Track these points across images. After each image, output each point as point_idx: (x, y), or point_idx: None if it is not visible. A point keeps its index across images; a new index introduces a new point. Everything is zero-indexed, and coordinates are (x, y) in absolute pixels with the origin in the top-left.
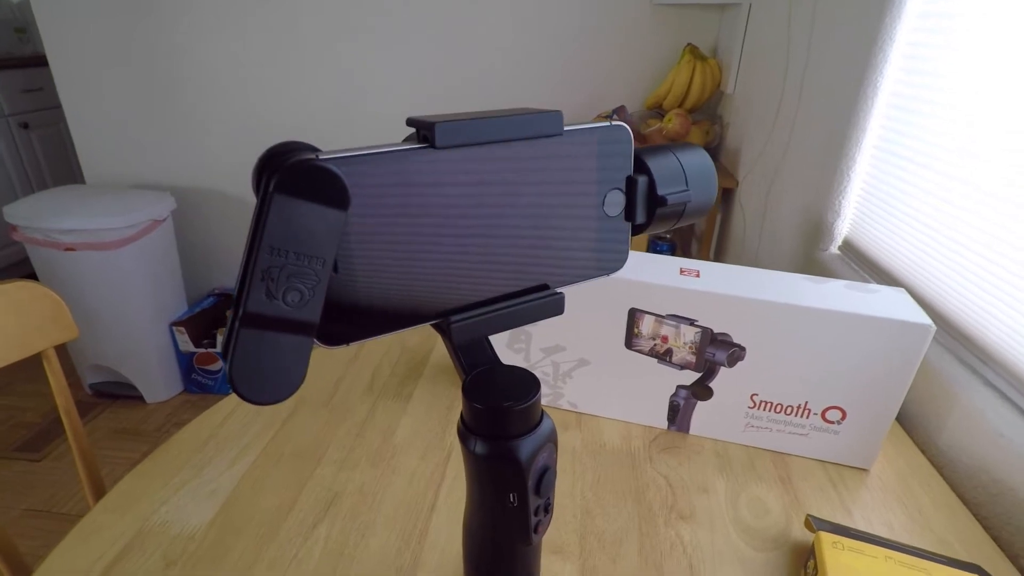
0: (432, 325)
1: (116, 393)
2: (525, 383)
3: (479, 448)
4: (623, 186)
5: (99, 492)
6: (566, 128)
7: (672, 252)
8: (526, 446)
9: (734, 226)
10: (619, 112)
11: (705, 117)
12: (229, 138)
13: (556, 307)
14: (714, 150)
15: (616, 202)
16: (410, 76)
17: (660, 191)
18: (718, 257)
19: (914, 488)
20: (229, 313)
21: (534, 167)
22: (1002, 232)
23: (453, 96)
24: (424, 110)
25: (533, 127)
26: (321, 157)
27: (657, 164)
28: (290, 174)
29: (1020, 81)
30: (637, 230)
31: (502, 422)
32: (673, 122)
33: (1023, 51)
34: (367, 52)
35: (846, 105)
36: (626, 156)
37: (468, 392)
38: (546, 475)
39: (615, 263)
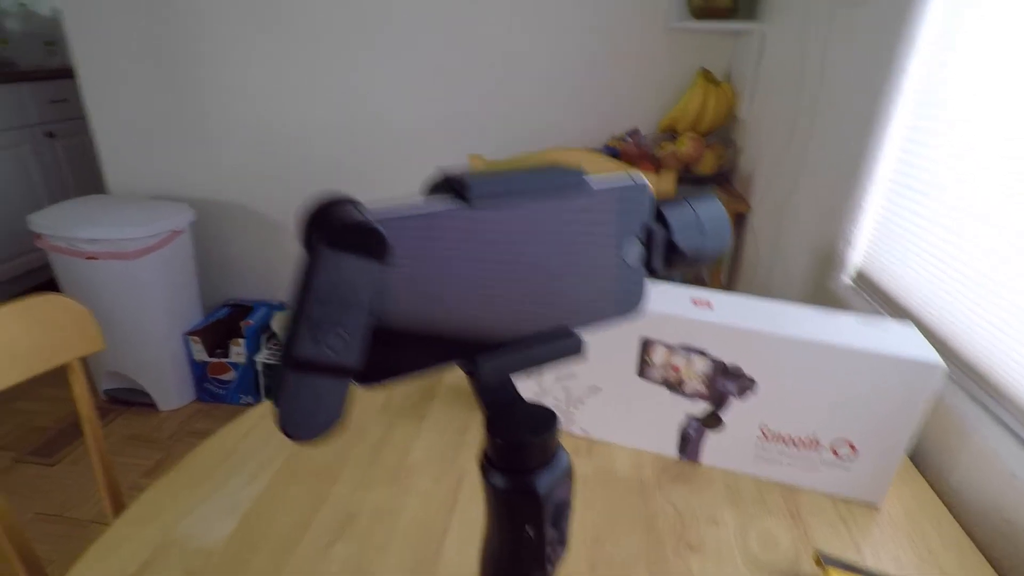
0: (459, 365)
1: (130, 400)
2: (544, 419)
3: (497, 481)
4: (642, 236)
5: (116, 498)
6: (593, 186)
7: (682, 280)
8: (544, 480)
9: (747, 252)
10: (633, 135)
11: (718, 141)
12: (246, 152)
13: (576, 349)
14: (727, 174)
15: (635, 251)
16: (425, 94)
17: (677, 241)
18: (731, 282)
19: (924, 526)
20: (269, 357)
21: (559, 221)
22: (1014, 269)
23: (469, 115)
24: (441, 129)
25: (559, 184)
26: (367, 216)
27: (674, 215)
28: (339, 233)
29: None
30: (653, 274)
31: (521, 456)
32: (686, 145)
33: None
34: (384, 70)
35: (859, 134)
36: (645, 210)
37: (490, 428)
38: (563, 508)
39: (633, 306)
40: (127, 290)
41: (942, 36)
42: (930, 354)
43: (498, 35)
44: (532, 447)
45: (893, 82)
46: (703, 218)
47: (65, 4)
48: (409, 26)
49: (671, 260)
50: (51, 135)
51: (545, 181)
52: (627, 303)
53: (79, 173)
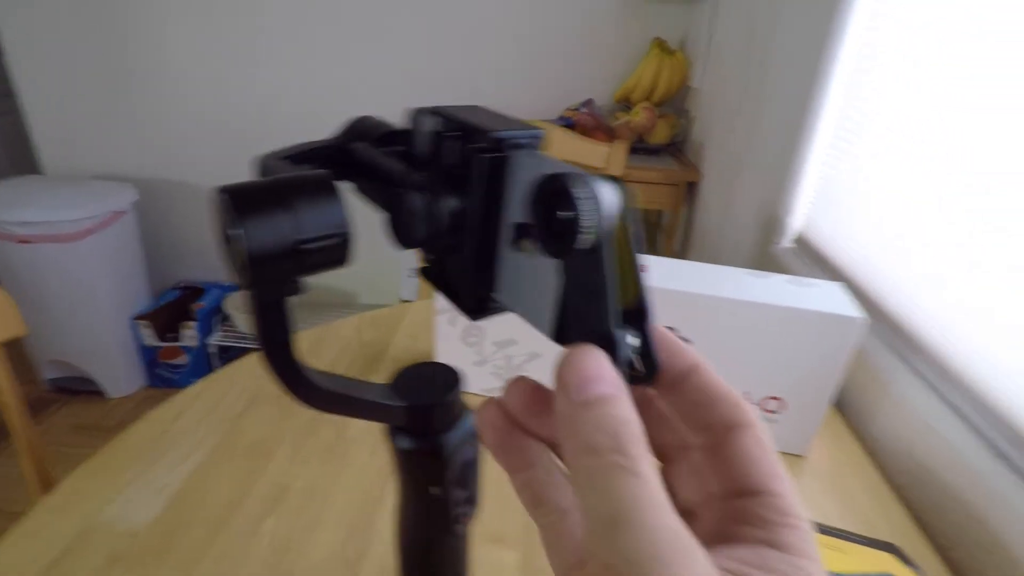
0: None
1: (76, 388)
2: (447, 379)
3: (402, 442)
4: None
5: (49, 490)
6: None
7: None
8: (448, 441)
9: (698, 219)
10: (587, 105)
11: (672, 111)
12: (194, 127)
13: None
14: (679, 144)
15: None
16: (377, 66)
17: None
18: (684, 249)
19: (846, 474)
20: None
21: None
22: (933, 232)
23: (422, 86)
24: (392, 101)
25: None
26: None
27: None
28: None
29: (952, 90)
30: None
31: (424, 418)
32: (640, 115)
33: (955, 61)
34: (335, 41)
35: (800, 104)
36: None
37: (392, 389)
38: (469, 468)
39: None
40: (66, 275)
41: (875, 10)
42: (851, 309)
43: (451, 6)
44: (434, 409)
45: (831, 53)
46: None
47: None
48: None
49: None
50: None
51: None
52: None
53: (10, 154)
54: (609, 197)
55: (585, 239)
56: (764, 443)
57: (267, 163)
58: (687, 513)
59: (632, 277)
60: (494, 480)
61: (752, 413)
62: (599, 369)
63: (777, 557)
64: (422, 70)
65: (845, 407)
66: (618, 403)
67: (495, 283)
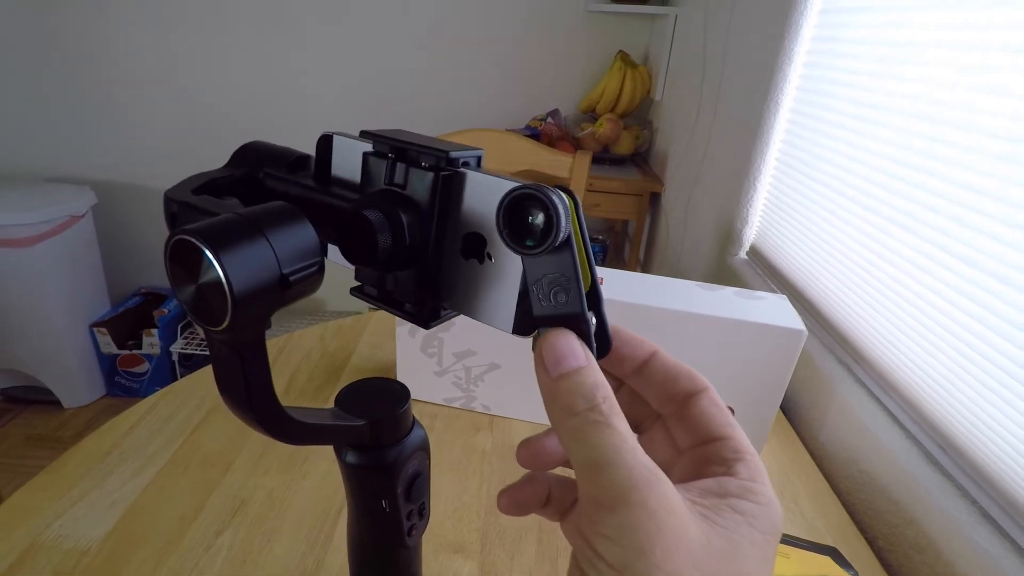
0: None
1: (30, 398)
2: (395, 394)
3: (350, 458)
4: None
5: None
6: None
7: (604, 256)
8: (394, 455)
9: (660, 231)
10: (553, 115)
11: (636, 122)
12: (154, 129)
13: None
14: (644, 154)
15: None
16: (340, 73)
17: None
18: (646, 260)
19: (793, 479)
20: None
21: None
22: (875, 244)
23: (390, 95)
24: (361, 110)
25: None
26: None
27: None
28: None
29: (895, 104)
30: None
31: (370, 433)
32: (604, 127)
33: (900, 77)
34: (299, 46)
35: (753, 117)
36: None
37: (339, 403)
38: (417, 481)
39: None
40: (18, 280)
41: (824, 29)
42: (795, 321)
43: (420, 16)
44: (381, 424)
45: (781, 70)
46: None
47: None
48: (325, 3)
49: None
50: None
51: None
52: None
53: None
54: (563, 201)
55: (563, 235)
56: (717, 401)
57: (179, 199)
58: (663, 470)
59: (587, 266)
60: (453, 490)
61: (704, 380)
62: (570, 346)
63: (733, 483)
64: (387, 81)
65: (794, 414)
66: (588, 372)
67: (446, 292)
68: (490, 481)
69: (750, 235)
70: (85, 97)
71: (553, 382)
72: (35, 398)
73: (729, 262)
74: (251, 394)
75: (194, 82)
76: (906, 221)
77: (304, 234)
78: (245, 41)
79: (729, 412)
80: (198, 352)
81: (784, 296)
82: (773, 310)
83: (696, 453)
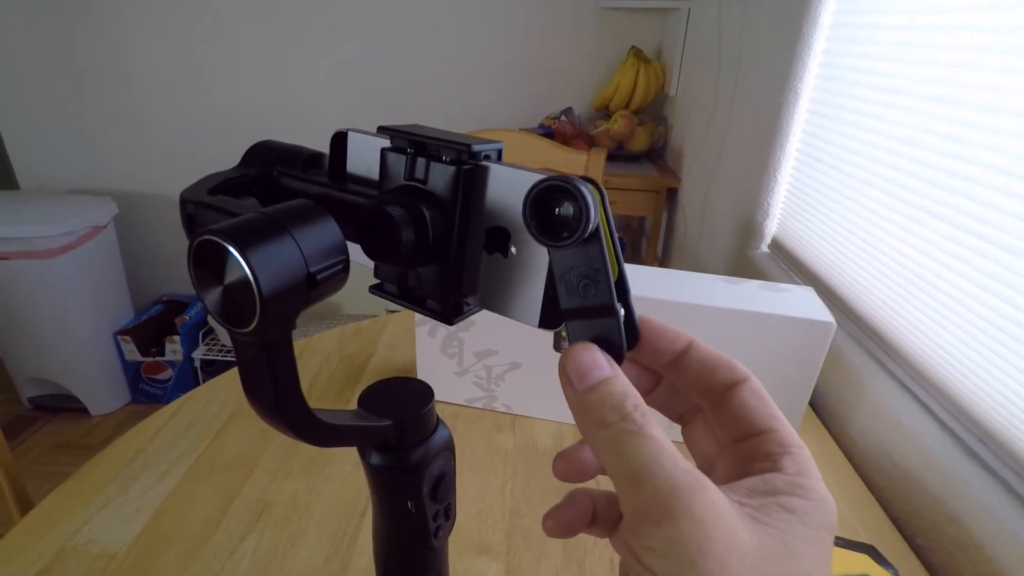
0: None
1: (58, 406)
2: (419, 394)
3: (374, 459)
4: None
5: (27, 511)
6: None
7: (623, 251)
8: (419, 455)
9: (677, 226)
10: (567, 113)
11: (650, 118)
12: (172, 139)
13: None
14: (659, 150)
15: None
16: (355, 75)
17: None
18: (664, 256)
19: (824, 474)
20: None
21: None
22: (904, 233)
23: (402, 97)
24: (373, 112)
25: None
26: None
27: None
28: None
29: (918, 90)
30: None
31: (395, 433)
32: (619, 123)
33: (922, 62)
34: (317, 52)
35: (772, 108)
36: None
37: (362, 404)
38: (443, 481)
39: None
40: (45, 291)
41: (842, 16)
42: (823, 313)
43: (431, 16)
44: (406, 424)
45: (800, 60)
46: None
47: None
48: (336, 5)
49: None
50: None
51: None
52: None
53: None
54: (591, 191)
55: (592, 226)
56: (759, 392)
57: (196, 199)
58: (706, 466)
59: (614, 257)
60: (476, 491)
61: (745, 370)
62: (593, 359)
63: (780, 479)
64: (399, 83)
65: (823, 409)
66: (616, 382)
67: (469, 287)
68: (514, 481)
69: (771, 228)
70: (104, 110)
71: (581, 396)
72: (63, 406)
73: (750, 256)
74: (279, 396)
75: (209, 92)
76: (936, 208)
77: (329, 232)
78: (259, 49)
79: (773, 403)
80: (219, 358)
81: (810, 288)
82: (800, 303)
83: (739, 448)
